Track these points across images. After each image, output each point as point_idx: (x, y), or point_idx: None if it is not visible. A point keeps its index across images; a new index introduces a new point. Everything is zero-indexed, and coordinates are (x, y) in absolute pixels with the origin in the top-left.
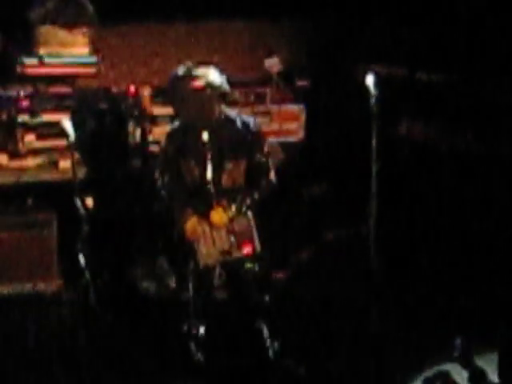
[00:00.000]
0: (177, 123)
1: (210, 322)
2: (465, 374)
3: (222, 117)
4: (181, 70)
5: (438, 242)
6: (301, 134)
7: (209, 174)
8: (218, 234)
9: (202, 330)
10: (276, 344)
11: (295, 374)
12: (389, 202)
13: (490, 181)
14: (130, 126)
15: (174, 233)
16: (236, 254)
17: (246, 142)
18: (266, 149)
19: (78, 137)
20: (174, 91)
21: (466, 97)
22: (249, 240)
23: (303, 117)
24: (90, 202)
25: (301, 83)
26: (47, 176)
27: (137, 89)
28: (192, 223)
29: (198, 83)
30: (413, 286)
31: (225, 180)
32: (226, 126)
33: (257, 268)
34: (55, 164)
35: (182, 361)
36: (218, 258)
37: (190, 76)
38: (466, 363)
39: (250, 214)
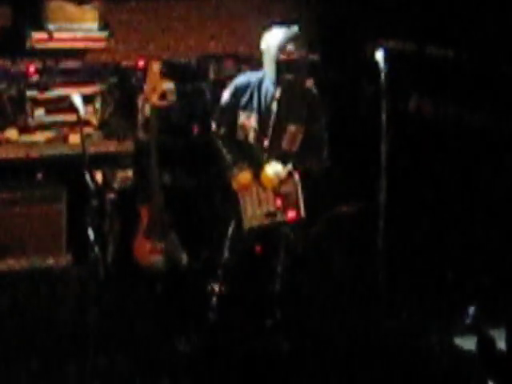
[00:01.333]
0: (243, 78)
1: (235, 284)
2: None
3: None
4: (284, 36)
5: (448, 217)
6: None
7: (270, 133)
8: (266, 195)
9: (226, 290)
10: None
11: (279, 349)
12: (398, 178)
13: (501, 156)
14: (139, 101)
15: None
16: (280, 218)
17: (308, 110)
18: (324, 121)
19: None
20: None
21: (477, 72)
22: (294, 204)
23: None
24: (99, 176)
25: (310, 58)
26: (56, 151)
27: (146, 63)
28: (246, 176)
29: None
30: (423, 260)
31: (285, 142)
32: (295, 89)
33: (292, 235)
34: (65, 138)
35: (196, 324)
36: (263, 220)
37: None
38: (477, 330)
39: (297, 178)
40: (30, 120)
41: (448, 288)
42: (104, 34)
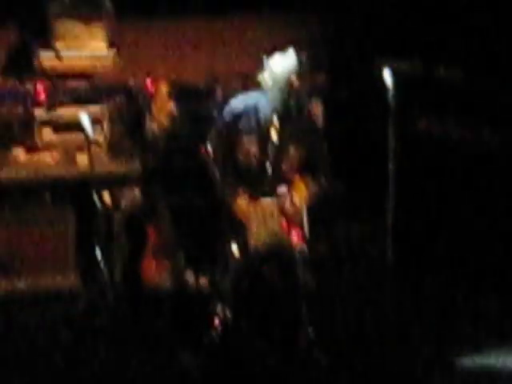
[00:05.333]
0: (238, 100)
1: (240, 306)
2: None
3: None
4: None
5: (457, 237)
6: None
7: (270, 156)
8: (270, 216)
9: (228, 313)
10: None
11: (318, 364)
12: (406, 199)
13: (510, 177)
14: (147, 121)
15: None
16: (285, 241)
17: (307, 129)
18: (322, 137)
19: None
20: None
21: (485, 93)
22: (299, 225)
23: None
24: (107, 196)
25: (318, 78)
26: (64, 171)
27: (154, 84)
28: (244, 201)
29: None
30: (430, 281)
31: (285, 164)
32: (294, 114)
33: (306, 250)
34: (72, 158)
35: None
36: (268, 240)
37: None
38: None
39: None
40: (37, 140)
41: (457, 312)
42: (111, 54)
